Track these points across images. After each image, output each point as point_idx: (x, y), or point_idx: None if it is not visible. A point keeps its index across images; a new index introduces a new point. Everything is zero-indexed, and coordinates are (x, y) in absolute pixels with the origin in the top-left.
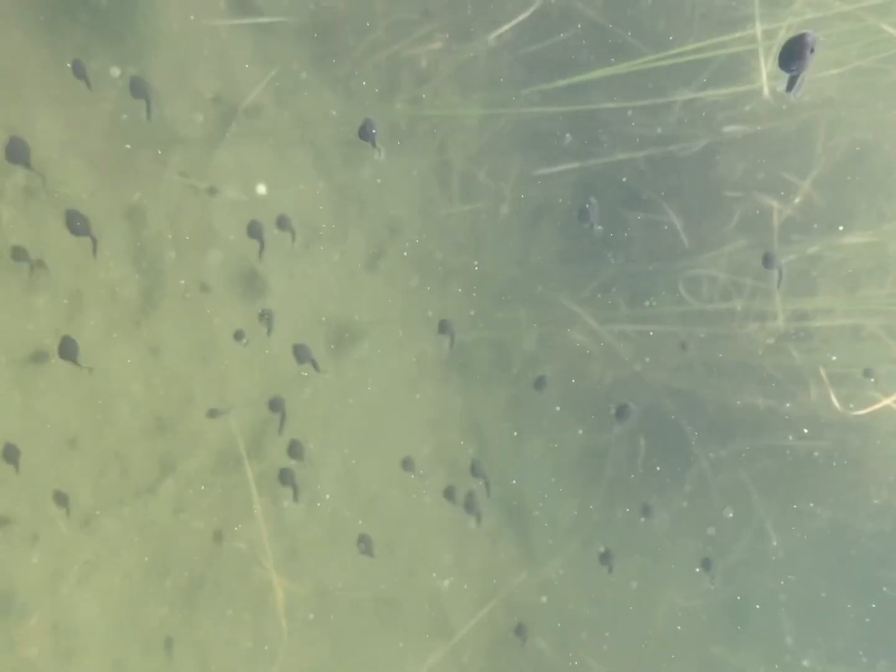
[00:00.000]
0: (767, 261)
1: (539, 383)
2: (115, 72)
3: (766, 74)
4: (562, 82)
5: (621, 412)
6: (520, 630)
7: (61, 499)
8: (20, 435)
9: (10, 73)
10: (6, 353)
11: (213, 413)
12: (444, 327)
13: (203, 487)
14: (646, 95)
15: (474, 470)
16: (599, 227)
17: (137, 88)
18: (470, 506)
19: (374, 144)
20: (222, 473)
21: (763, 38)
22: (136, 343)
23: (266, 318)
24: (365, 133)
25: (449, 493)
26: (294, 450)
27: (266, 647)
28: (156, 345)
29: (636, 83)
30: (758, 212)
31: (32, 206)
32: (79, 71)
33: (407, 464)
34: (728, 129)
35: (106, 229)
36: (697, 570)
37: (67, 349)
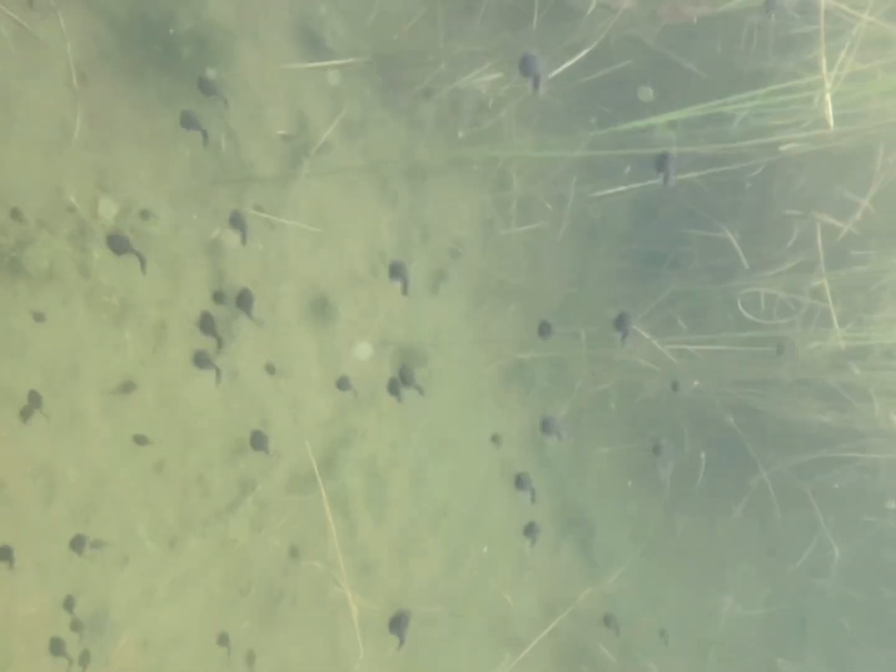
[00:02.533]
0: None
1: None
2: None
3: (830, 94)
4: (629, 125)
5: (657, 449)
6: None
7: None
8: (111, 462)
9: (100, 119)
10: (97, 385)
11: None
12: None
13: (279, 506)
14: (705, 118)
15: (519, 482)
16: (672, 181)
17: (188, 121)
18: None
19: (535, 85)
20: (297, 492)
21: (827, 57)
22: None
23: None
24: (526, 68)
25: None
26: None
27: (342, 660)
28: (234, 372)
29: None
30: (816, 229)
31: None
32: (188, 122)
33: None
34: (785, 147)
35: (189, 264)
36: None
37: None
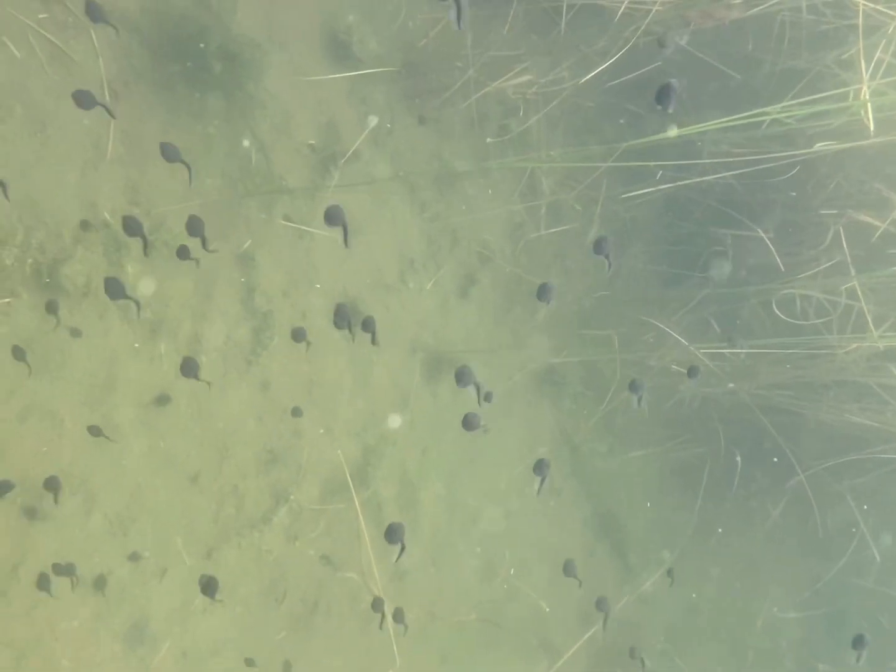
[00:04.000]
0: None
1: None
2: (244, 141)
3: (868, 91)
4: (663, 135)
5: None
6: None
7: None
8: (147, 475)
9: (132, 136)
10: (133, 398)
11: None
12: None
13: (313, 516)
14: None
15: (538, 468)
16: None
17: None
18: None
19: (666, 108)
20: (331, 502)
21: (864, 54)
22: (249, 382)
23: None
24: (662, 97)
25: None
26: None
27: (377, 669)
28: (266, 382)
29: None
30: (853, 228)
31: (155, 259)
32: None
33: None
34: (820, 145)
35: (220, 276)
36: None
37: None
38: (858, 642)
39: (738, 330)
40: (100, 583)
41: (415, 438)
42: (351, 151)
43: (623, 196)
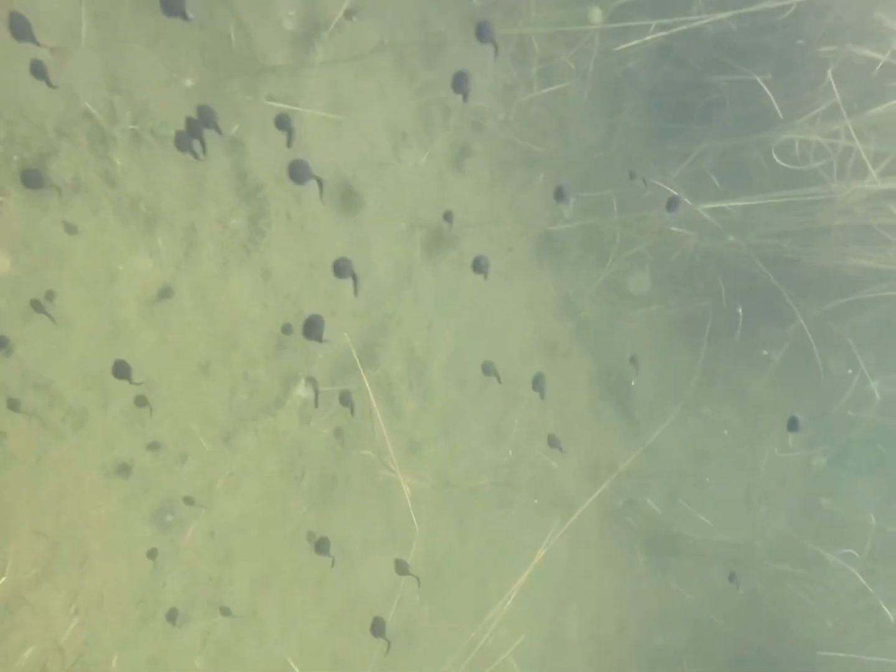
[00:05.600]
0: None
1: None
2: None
3: None
4: None
5: None
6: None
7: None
8: (158, 367)
9: (106, 19)
10: (136, 294)
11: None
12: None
13: (325, 398)
14: None
15: (485, 369)
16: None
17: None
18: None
19: (496, 46)
20: (341, 382)
21: None
22: (250, 269)
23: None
24: (483, 34)
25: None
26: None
27: (399, 537)
28: (267, 269)
29: None
30: (852, 64)
31: (142, 149)
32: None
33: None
34: None
35: (211, 164)
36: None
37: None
38: (792, 424)
39: (738, 181)
40: (123, 471)
41: (420, 315)
42: (334, 23)
43: (616, 49)
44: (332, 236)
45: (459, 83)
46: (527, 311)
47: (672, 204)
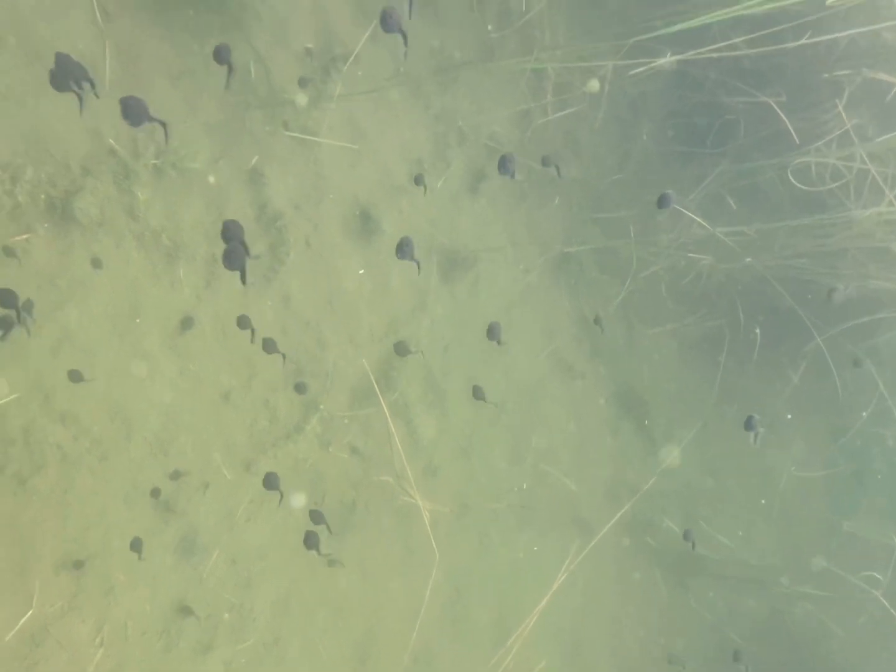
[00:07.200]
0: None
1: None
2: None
3: None
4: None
5: None
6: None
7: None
8: (180, 396)
9: (128, 56)
10: (158, 323)
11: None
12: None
13: (345, 421)
14: None
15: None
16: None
17: (220, 55)
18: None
19: (512, 176)
20: (359, 407)
21: None
22: (270, 297)
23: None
24: (504, 167)
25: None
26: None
27: (419, 561)
28: (287, 296)
29: None
30: (867, 88)
31: (164, 183)
32: (221, 56)
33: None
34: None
35: (231, 194)
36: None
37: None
38: (749, 424)
39: (755, 204)
40: (146, 501)
41: (436, 338)
42: (352, 54)
43: (630, 73)
44: (349, 262)
45: (504, 166)
46: (543, 332)
47: (663, 201)
